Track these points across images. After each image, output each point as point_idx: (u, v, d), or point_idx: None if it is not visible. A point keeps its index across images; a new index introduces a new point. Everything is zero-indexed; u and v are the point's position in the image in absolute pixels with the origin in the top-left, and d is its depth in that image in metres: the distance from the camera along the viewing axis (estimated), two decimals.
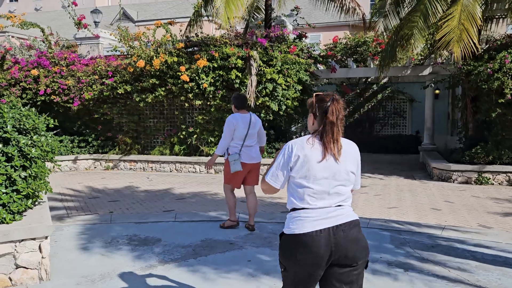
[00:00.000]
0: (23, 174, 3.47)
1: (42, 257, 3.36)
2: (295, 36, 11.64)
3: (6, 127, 3.50)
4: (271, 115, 10.71)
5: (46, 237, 3.38)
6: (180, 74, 10.24)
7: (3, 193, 3.32)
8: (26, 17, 28.56)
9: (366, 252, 2.10)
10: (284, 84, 10.39)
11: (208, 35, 11.11)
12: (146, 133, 11.73)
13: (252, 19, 13.38)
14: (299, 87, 10.62)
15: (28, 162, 3.54)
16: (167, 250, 4.22)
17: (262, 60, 10.36)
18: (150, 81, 10.58)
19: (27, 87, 11.48)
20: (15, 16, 11.35)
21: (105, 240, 4.49)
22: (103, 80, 11.23)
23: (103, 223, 5.19)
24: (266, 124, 11.04)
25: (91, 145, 11.96)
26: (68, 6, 13.07)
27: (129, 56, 11.18)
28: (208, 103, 10.73)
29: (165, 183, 9.52)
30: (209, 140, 10.99)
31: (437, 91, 13.10)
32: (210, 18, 11.08)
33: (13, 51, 13.29)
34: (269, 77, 10.20)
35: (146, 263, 3.86)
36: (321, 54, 12.22)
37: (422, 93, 13.44)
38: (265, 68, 10.23)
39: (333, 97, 2.11)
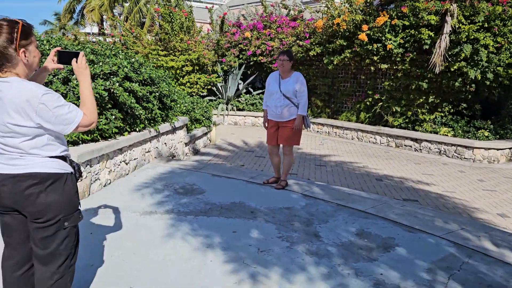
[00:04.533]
0: None
1: None
2: None
3: None
4: (472, 85, 8.61)
5: None
6: (361, 33, 9.39)
7: None
8: None
9: (44, 210, 1.85)
10: (492, 46, 8.07)
11: None
12: (337, 97, 11.47)
13: None
14: None
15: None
16: (190, 203, 4.29)
17: (464, 15, 8.30)
18: (337, 42, 10.16)
19: (244, 48, 12.96)
20: None
21: (164, 184, 4.91)
22: (298, 41, 11.50)
23: (190, 170, 5.65)
24: (469, 96, 8.97)
25: None
26: None
27: (329, 17, 10.96)
28: (395, 67, 9.50)
29: (331, 149, 9.24)
30: (394, 109, 9.82)
31: None
32: None
33: (247, 16, 15.11)
34: (470, 37, 8.13)
35: (153, 209, 4.08)
36: None
37: None
38: (464, 25, 8.17)
39: None
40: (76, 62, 1.96)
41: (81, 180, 4.22)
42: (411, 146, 9.41)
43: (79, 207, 2.01)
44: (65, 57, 1.99)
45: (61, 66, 2.05)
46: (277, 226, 3.73)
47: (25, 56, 1.80)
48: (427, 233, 3.66)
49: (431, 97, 9.19)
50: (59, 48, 2.06)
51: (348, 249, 3.31)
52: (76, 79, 4.49)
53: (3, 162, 1.85)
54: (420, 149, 9.20)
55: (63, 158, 1.95)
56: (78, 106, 1.92)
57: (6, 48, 1.73)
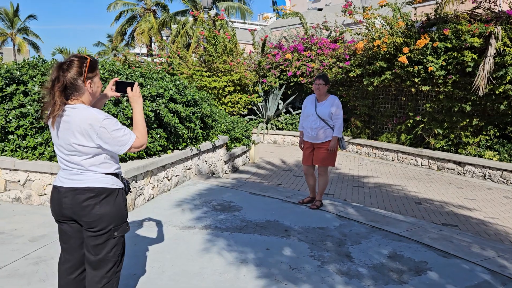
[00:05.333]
0: None
1: None
2: None
3: None
4: None
5: None
6: (402, 56, 9.39)
7: None
8: (335, 7, 31.21)
9: (98, 220, 2.08)
10: None
11: (455, 11, 9.57)
12: (377, 118, 11.43)
13: None
14: None
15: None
16: (227, 219, 4.48)
17: (510, 37, 8.14)
18: (377, 64, 10.20)
19: (284, 69, 13.23)
20: (283, 9, 13.15)
21: (203, 200, 5.14)
22: (339, 63, 11.62)
23: (228, 187, 5.85)
24: None
25: None
26: None
27: (369, 39, 11.04)
28: (437, 89, 9.40)
29: (370, 170, 9.20)
30: (436, 131, 9.67)
31: None
32: None
33: (288, 38, 15.41)
34: None
35: (192, 224, 4.30)
36: None
37: None
38: (510, 47, 8.01)
39: (60, 62, 2.04)
40: (132, 90, 2.23)
41: (130, 194, 4.53)
42: (453, 170, 9.19)
43: (127, 219, 2.24)
44: (122, 86, 2.26)
45: (118, 94, 2.33)
46: (310, 245, 3.83)
47: (90, 86, 2.09)
48: (462, 258, 3.64)
49: (475, 119, 8.99)
50: (117, 79, 2.34)
51: (379, 271, 3.36)
52: (126, 101, 4.86)
53: (65, 177, 2.13)
54: (463, 173, 8.98)
55: (116, 175, 2.20)
56: (126, 125, 2.17)
57: (76, 80, 2.03)
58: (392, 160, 10.54)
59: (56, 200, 2.13)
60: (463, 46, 8.61)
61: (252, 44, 14.80)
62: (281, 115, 13.17)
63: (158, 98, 5.18)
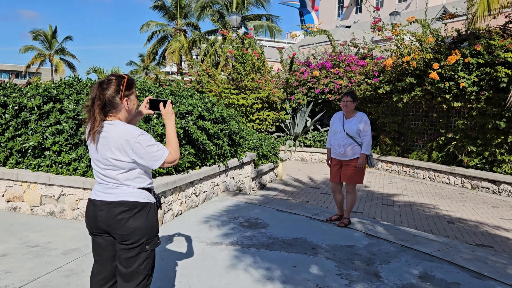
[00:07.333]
0: None
1: None
2: None
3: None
4: None
5: None
6: (432, 72, 9.23)
7: None
8: (363, 24, 31.28)
9: (131, 233, 2.13)
10: None
11: (487, 26, 9.39)
12: (407, 135, 11.23)
13: None
14: None
15: None
16: (254, 236, 4.47)
17: None
18: (407, 80, 10.07)
19: (312, 86, 13.25)
20: (309, 27, 13.25)
21: (230, 216, 5.16)
22: (367, 80, 11.54)
23: (255, 204, 5.86)
24: None
25: None
26: (374, 11, 13.99)
27: (398, 55, 10.95)
28: (469, 105, 9.17)
29: (401, 188, 9.02)
30: (468, 148, 9.40)
31: None
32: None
33: (316, 56, 15.48)
34: None
35: (219, 240, 4.32)
36: None
37: None
38: None
39: (100, 81, 2.15)
40: (164, 108, 2.30)
41: (160, 209, 4.61)
42: (488, 188, 8.88)
43: (158, 233, 2.29)
44: (155, 104, 2.34)
45: (151, 111, 2.41)
46: (337, 264, 3.77)
47: (127, 103, 2.19)
48: (497, 280, 3.50)
49: (510, 136, 8.69)
50: (150, 97, 2.43)
51: None
52: (156, 118, 4.99)
53: (101, 190, 2.20)
54: (499, 192, 8.65)
55: (149, 189, 2.26)
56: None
57: (114, 97, 2.13)
58: (423, 178, 10.29)
59: (92, 213, 2.20)
60: (496, 62, 8.41)
61: (280, 62, 14.94)
62: (309, 132, 13.14)
63: (187, 115, 5.29)
